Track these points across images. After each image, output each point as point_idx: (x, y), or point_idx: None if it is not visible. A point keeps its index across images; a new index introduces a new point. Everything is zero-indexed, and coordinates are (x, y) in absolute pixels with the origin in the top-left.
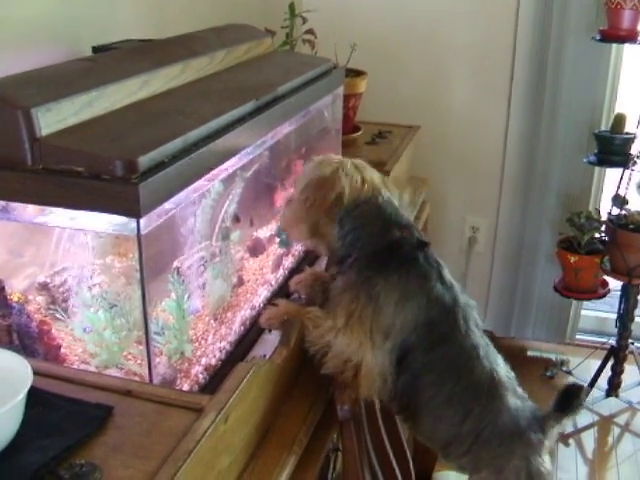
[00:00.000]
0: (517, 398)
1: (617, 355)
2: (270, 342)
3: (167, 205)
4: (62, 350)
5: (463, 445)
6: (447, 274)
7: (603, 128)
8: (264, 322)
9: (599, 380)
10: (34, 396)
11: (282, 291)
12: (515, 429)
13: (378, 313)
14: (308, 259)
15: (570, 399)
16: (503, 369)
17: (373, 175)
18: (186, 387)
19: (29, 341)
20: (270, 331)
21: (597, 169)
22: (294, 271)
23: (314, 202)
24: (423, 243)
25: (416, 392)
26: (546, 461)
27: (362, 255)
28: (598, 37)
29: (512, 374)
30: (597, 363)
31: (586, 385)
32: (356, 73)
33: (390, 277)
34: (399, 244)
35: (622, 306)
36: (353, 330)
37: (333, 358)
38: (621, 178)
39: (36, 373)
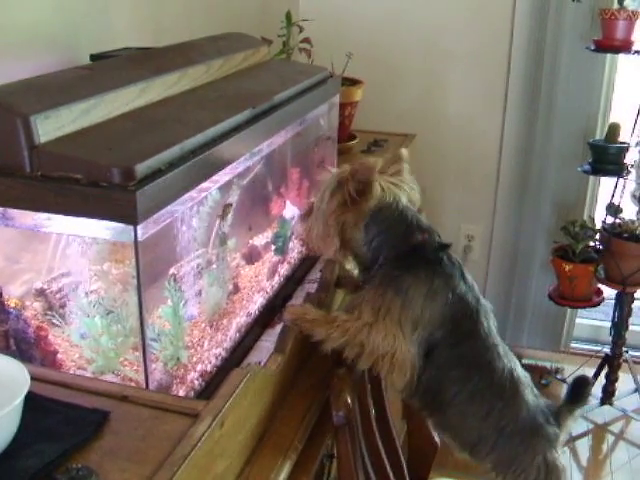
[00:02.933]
0: (533, 395)
1: (611, 363)
2: (265, 349)
3: (164, 212)
4: (58, 356)
5: (488, 443)
6: (468, 274)
7: (597, 137)
8: (289, 321)
9: (593, 388)
10: (31, 401)
11: (278, 298)
12: (534, 424)
13: (407, 305)
14: (303, 268)
15: (579, 390)
16: (520, 367)
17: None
18: (182, 393)
19: (26, 347)
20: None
21: (592, 178)
22: (289, 278)
23: (348, 202)
24: (445, 245)
25: (441, 387)
26: (561, 455)
27: (388, 259)
28: (592, 47)
29: (527, 373)
30: (591, 371)
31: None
32: (352, 82)
33: (418, 274)
34: (422, 246)
35: (616, 314)
36: (385, 323)
37: (369, 356)
38: (615, 187)
39: (33, 378)
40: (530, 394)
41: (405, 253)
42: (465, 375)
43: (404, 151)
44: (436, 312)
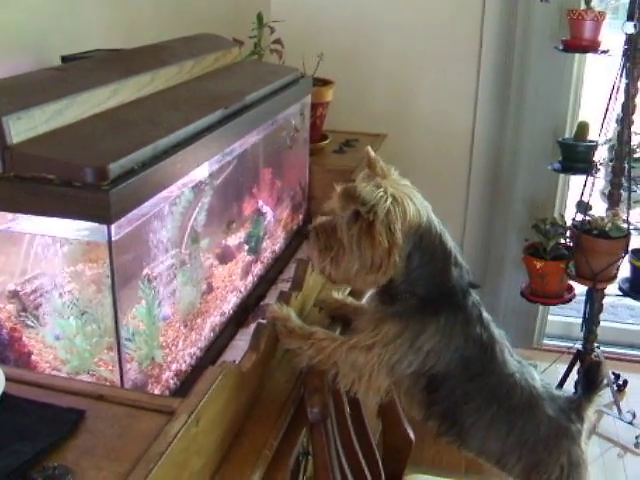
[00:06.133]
0: (554, 402)
1: (583, 359)
2: (240, 348)
3: (137, 212)
4: (33, 357)
5: (513, 456)
6: (485, 313)
7: (567, 136)
8: (270, 319)
9: (566, 384)
10: (6, 401)
11: (251, 298)
12: (557, 429)
13: (411, 352)
14: (276, 268)
15: (593, 376)
16: (539, 382)
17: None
18: (157, 392)
19: (0, 348)
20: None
21: (562, 176)
22: (263, 278)
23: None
24: (474, 286)
25: (458, 418)
26: (584, 450)
27: (417, 294)
28: (561, 47)
29: (547, 382)
30: (564, 367)
31: None
32: (323, 82)
33: (439, 322)
34: (454, 289)
35: (587, 310)
36: (374, 355)
37: (345, 376)
38: (585, 185)
39: (8, 379)
40: (549, 403)
41: (436, 295)
42: (482, 406)
43: (369, 150)
44: (443, 357)
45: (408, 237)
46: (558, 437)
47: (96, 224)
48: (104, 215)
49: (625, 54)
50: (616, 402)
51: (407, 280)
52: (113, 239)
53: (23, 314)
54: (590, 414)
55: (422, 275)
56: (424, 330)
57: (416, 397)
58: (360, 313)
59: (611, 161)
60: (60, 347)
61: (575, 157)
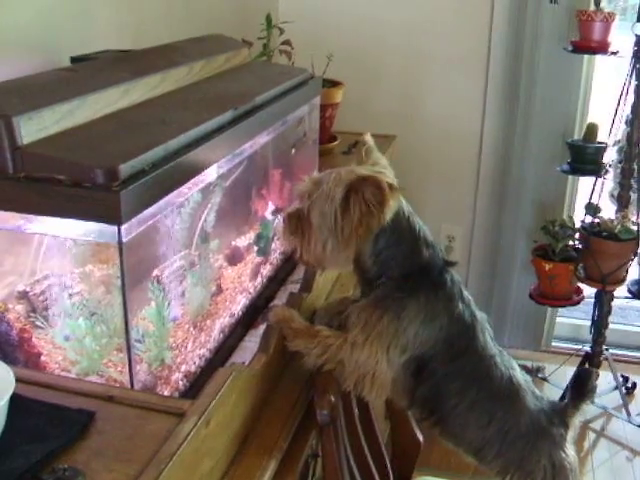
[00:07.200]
0: (536, 399)
1: (592, 361)
2: (249, 349)
3: (148, 213)
4: (42, 358)
5: (493, 448)
6: (465, 291)
7: (576, 137)
8: (273, 322)
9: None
10: (16, 402)
11: (261, 299)
12: (537, 427)
13: (400, 332)
14: (285, 269)
15: (582, 384)
16: (519, 373)
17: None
18: (166, 394)
19: (9, 349)
20: None
21: (570, 178)
22: (272, 279)
23: (364, 211)
24: (450, 263)
25: (439, 400)
26: (570, 454)
27: (393, 277)
28: (570, 48)
29: (528, 377)
30: (572, 369)
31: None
32: (332, 83)
33: (418, 299)
34: (428, 267)
35: (596, 313)
36: (373, 346)
37: (350, 375)
38: (594, 186)
39: (18, 380)
40: (531, 398)
41: (411, 273)
42: (463, 388)
43: (368, 137)
44: (430, 337)
45: None
46: (538, 437)
47: (106, 225)
48: (114, 216)
49: (635, 55)
50: (625, 405)
51: (377, 262)
52: (123, 240)
53: (32, 315)
54: (576, 422)
55: (392, 256)
56: (405, 309)
57: (402, 384)
58: (350, 312)
59: (620, 163)
60: (69, 348)
61: (584, 159)
